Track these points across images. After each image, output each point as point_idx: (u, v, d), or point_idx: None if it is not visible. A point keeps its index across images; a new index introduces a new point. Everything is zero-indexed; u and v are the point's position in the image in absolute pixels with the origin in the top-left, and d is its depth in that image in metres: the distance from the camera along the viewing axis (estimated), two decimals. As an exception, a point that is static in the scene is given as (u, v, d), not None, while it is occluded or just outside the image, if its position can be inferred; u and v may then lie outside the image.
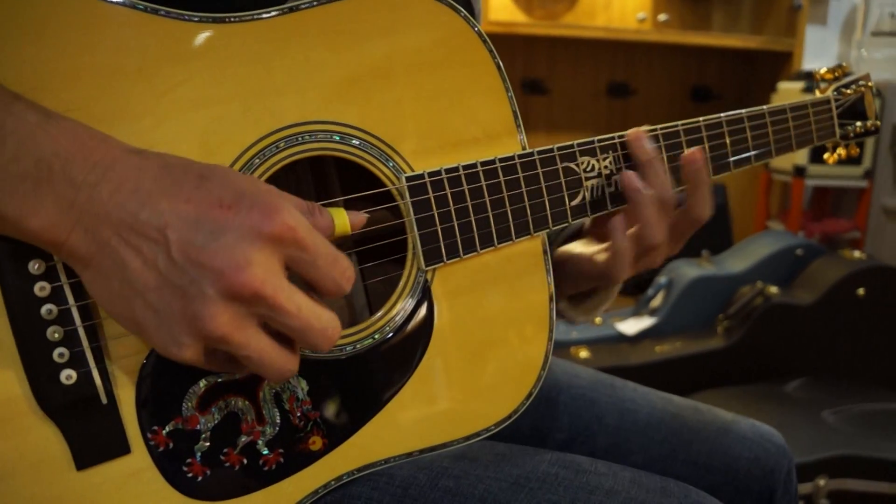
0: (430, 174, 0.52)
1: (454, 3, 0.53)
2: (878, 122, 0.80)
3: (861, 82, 0.79)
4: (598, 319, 2.01)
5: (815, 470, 1.41)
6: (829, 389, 1.71)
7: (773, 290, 1.82)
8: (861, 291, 1.78)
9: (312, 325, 0.39)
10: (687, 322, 1.90)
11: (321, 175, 0.58)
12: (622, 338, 1.89)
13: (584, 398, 0.77)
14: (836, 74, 0.79)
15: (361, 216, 0.47)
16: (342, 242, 0.57)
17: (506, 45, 2.53)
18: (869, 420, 1.57)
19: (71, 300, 0.42)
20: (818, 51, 2.71)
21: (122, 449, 0.45)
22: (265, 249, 0.37)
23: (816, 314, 1.78)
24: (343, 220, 0.45)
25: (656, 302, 1.98)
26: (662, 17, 2.66)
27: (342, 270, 0.41)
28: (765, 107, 0.72)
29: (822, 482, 1.41)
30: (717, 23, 2.78)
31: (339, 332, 0.41)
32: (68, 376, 0.43)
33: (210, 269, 0.36)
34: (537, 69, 2.77)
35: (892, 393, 1.72)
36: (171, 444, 0.46)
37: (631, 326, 1.93)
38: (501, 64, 0.55)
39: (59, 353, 0.42)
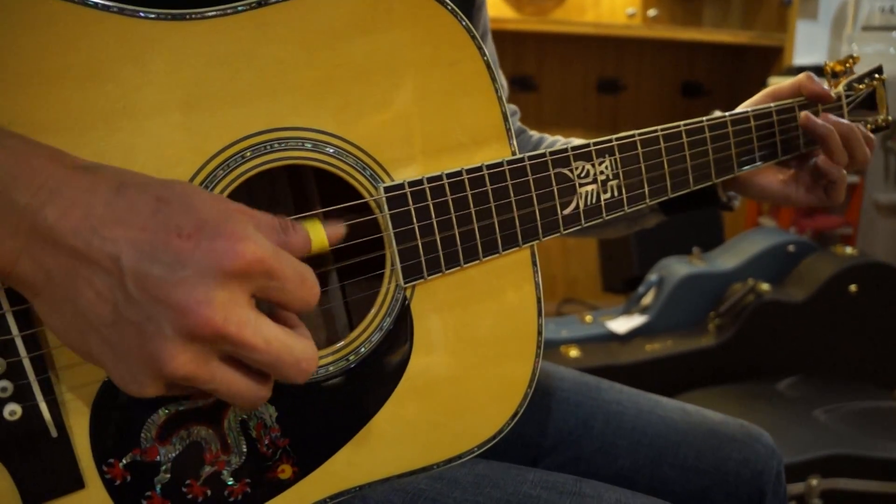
0: (411, 184, 0.49)
1: None
2: (890, 118, 0.77)
3: (875, 75, 0.76)
4: (588, 318, 1.99)
5: (807, 469, 1.40)
6: (821, 387, 1.70)
7: (765, 287, 1.80)
8: (853, 288, 1.77)
9: (284, 359, 0.36)
10: (678, 320, 1.89)
11: (297, 186, 0.55)
12: (613, 336, 1.88)
13: (570, 402, 0.75)
14: (847, 66, 0.76)
15: (340, 228, 0.44)
16: (323, 258, 0.54)
17: (495, 41, 2.49)
18: (861, 418, 1.56)
19: (14, 330, 0.39)
20: (809, 46, 2.70)
21: (75, 484, 0.42)
22: (229, 285, 0.34)
23: (808, 311, 1.77)
24: (320, 234, 0.42)
25: (647, 300, 1.96)
26: (652, 12, 2.64)
27: (309, 287, 0.37)
28: (772, 104, 0.69)
29: (814, 482, 1.40)
30: (707, 18, 2.76)
31: (316, 362, 0.38)
32: (12, 412, 0.39)
33: (168, 305, 0.33)
34: (526, 65, 2.74)
35: (884, 391, 1.71)
36: (128, 478, 0.43)
37: (621, 325, 1.91)
38: (491, 63, 0.52)
39: (2, 388, 0.39)
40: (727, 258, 1.99)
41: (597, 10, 2.65)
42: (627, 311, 1.99)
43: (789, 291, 1.81)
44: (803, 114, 0.70)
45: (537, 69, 2.74)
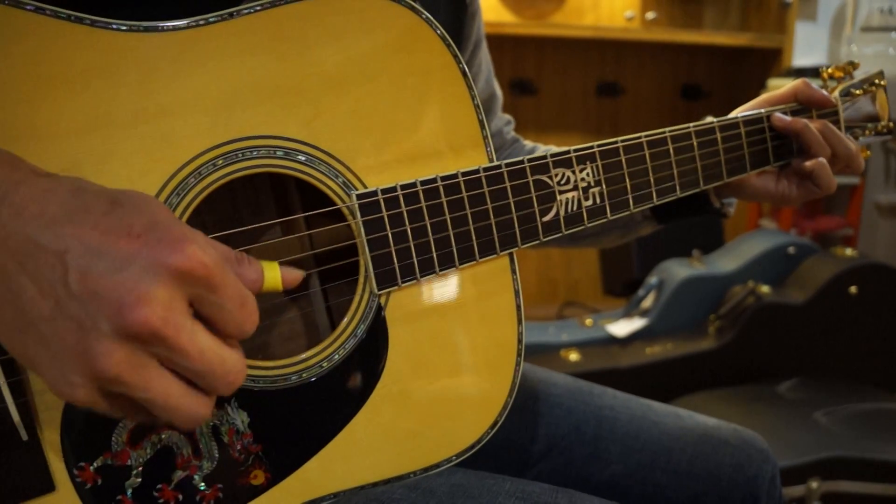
0: (384, 191, 0.49)
1: (413, 4, 0.50)
2: (891, 124, 0.75)
3: (875, 81, 0.74)
4: (588, 321, 1.99)
5: (807, 472, 1.39)
6: (821, 389, 1.69)
7: (765, 289, 1.79)
8: (853, 289, 1.76)
9: (214, 370, 0.36)
10: (678, 323, 1.88)
11: (272, 193, 0.55)
12: (613, 340, 1.87)
13: (561, 407, 0.75)
14: (847, 72, 0.75)
15: (296, 274, 0.42)
16: (297, 264, 0.54)
17: (494, 45, 2.49)
18: (862, 420, 1.55)
19: None
20: (808, 47, 2.69)
21: (46, 487, 0.42)
22: (169, 284, 0.34)
23: (809, 313, 1.76)
24: (274, 275, 0.40)
25: (647, 303, 1.96)
26: (650, 15, 2.64)
27: (248, 314, 0.37)
28: (762, 109, 0.69)
29: (814, 484, 1.39)
30: (707, 20, 2.76)
31: (244, 376, 0.38)
32: None
33: (107, 301, 0.33)
34: (526, 69, 2.74)
35: (885, 392, 1.70)
36: (99, 481, 0.43)
37: (622, 328, 1.90)
38: (467, 69, 0.52)
39: None
40: (727, 260, 1.99)
41: (595, 13, 2.66)
42: (628, 315, 1.99)
43: (789, 293, 1.80)
44: (775, 115, 0.70)
45: (537, 73, 2.75)
